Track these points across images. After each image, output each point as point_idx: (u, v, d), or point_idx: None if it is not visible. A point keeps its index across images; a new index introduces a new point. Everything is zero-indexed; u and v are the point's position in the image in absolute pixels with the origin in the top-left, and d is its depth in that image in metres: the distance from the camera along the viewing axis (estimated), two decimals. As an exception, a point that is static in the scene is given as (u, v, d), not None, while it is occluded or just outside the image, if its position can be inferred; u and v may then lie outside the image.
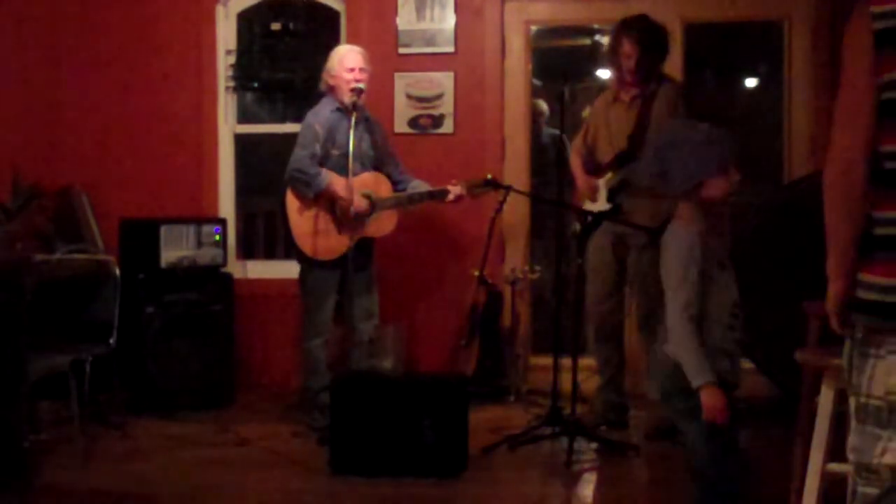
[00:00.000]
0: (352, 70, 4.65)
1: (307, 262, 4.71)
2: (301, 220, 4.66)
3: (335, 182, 4.58)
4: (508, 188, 4.93)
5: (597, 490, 3.95)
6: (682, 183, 2.67)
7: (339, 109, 4.68)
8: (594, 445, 4.39)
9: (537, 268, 5.49)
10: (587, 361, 4.82)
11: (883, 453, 1.59)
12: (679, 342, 2.65)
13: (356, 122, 4.52)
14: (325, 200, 4.63)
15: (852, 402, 1.67)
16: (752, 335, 5.02)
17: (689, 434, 2.76)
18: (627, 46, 4.57)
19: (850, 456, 1.68)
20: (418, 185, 4.83)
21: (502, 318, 5.49)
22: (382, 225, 4.72)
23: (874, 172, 1.66)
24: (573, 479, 4.08)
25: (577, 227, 4.55)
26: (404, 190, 4.80)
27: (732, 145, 2.72)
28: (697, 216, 2.70)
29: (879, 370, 1.59)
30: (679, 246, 2.68)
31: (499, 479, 4.07)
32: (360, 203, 4.56)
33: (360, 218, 4.59)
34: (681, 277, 2.64)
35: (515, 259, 5.64)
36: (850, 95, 1.68)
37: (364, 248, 4.68)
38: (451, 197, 4.71)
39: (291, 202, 4.65)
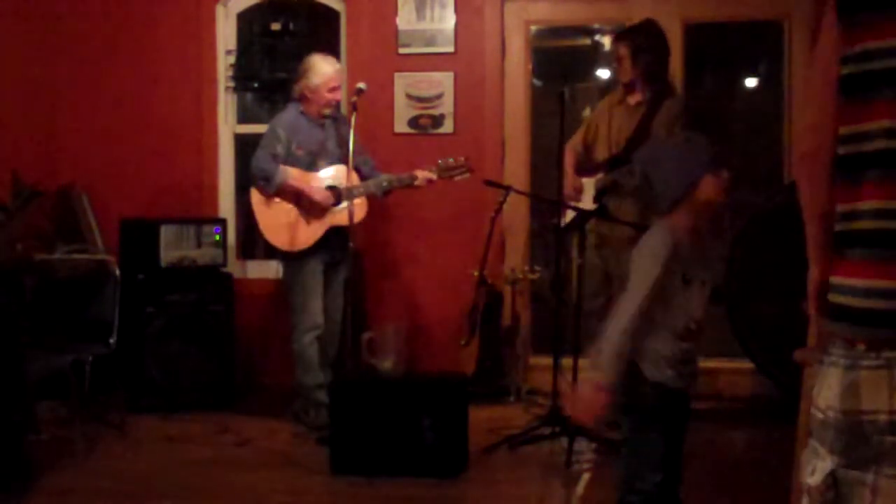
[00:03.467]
0: (333, 90, 4.80)
1: (289, 258, 4.80)
2: (268, 216, 4.80)
3: (293, 176, 4.74)
4: (508, 188, 4.93)
5: (597, 490, 3.95)
6: (672, 192, 2.69)
7: (302, 113, 4.84)
8: (594, 445, 4.39)
9: (537, 268, 5.49)
10: (587, 361, 4.82)
11: (812, 472, 1.51)
12: (613, 331, 2.64)
13: (325, 123, 4.81)
14: (290, 195, 4.76)
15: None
16: (751, 335, 5.06)
17: (623, 426, 2.81)
18: (621, 50, 4.66)
19: (802, 470, 1.58)
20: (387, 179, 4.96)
21: (502, 318, 5.49)
22: (354, 213, 4.71)
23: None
24: (573, 479, 4.08)
25: (563, 222, 4.60)
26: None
27: (713, 148, 2.74)
28: (689, 220, 2.71)
29: (824, 382, 1.51)
30: (654, 243, 2.70)
31: (499, 479, 4.07)
32: (321, 195, 4.70)
33: (326, 207, 4.72)
34: (646, 273, 2.66)
35: (515, 259, 5.64)
36: (815, 71, 1.59)
37: (340, 241, 4.72)
38: (419, 182, 4.82)
39: (256, 201, 4.82)
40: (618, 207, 4.49)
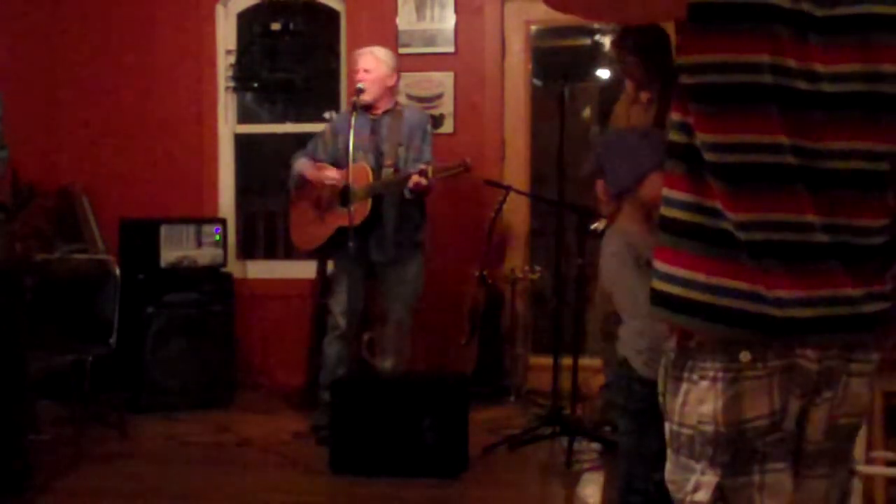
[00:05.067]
0: (356, 72, 4.69)
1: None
2: (295, 213, 4.81)
3: (308, 169, 4.67)
4: (508, 188, 4.93)
5: (597, 490, 3.95)
6: (619, 183, 2.72)
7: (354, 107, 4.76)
8: (594, 445, 4.39)
9: (537, 268, 5.49)
10: (587, 361, 4.82)
11: (695, 489, 1.48)
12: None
13: (378, 117, 4.60)
14: (307, 189, 4.70)
15: (667, 428, 1.54)
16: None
17: (619, 426, 2.83)
18: (619, 53, 4.66)
19: (670, 488, 1.54)
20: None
21: (502, 318, 5.49)
22: (355, 214, 4.51)
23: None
24: (573, 479, 4.08)
25: (599, 226, 4.58)
26: None
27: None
28: (637, 215, 2.73)
29: (692, 397, 1.47)
30: (612, 248, 2.72)
31: (499, 479, 4.07)
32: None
33: (334, 204, 4.64)
34: (614, 281, 2.69)
35: (515, 259, 5.64)
36: None
37: (373, 242, 4.58)
38: (409, 184, 4.53)
39: (293, 195, 4.81)
40: None
